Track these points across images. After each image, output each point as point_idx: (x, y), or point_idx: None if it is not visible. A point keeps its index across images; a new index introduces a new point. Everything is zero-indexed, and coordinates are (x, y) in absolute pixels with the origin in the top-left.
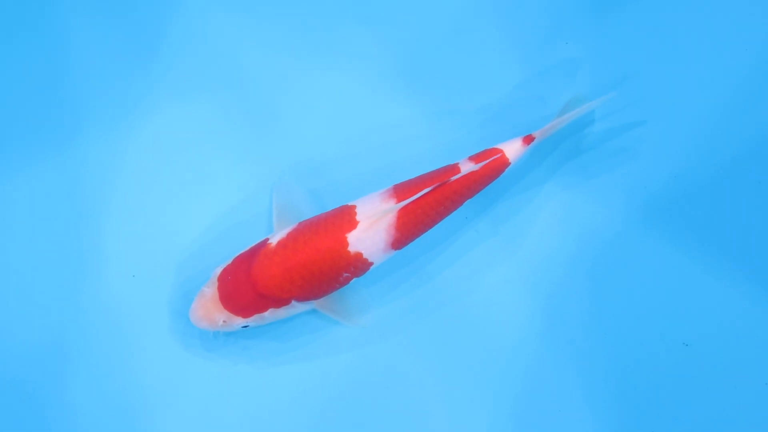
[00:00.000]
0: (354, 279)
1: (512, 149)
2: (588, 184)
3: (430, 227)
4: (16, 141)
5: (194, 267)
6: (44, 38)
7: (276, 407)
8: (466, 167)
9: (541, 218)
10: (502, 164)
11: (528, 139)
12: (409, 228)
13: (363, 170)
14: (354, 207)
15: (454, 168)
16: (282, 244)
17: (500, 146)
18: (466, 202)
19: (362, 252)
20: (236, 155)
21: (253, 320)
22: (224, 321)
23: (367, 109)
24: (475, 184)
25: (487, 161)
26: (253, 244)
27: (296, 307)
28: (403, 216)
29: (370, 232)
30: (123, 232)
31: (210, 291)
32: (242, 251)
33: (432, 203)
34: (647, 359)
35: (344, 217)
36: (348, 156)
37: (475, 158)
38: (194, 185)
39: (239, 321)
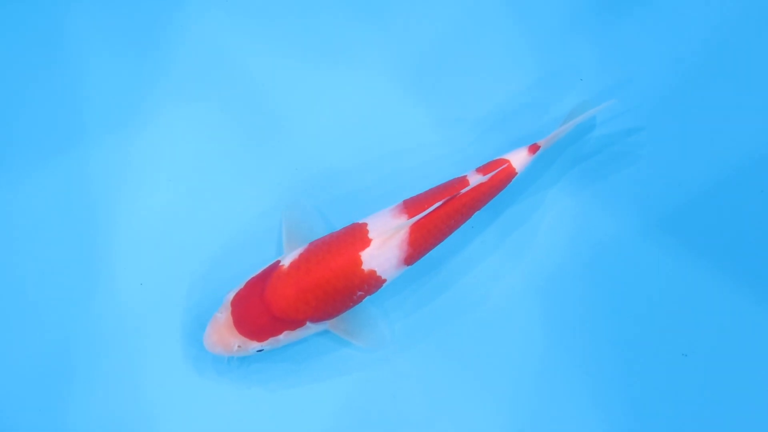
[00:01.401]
0: (367, 297)
1: (518, 159)
2: (591, 191)
3: (441, 241)
4: (20, 146)
5: (203, 288)
6: (51, 45)
7: (289, 429)
8: (475, 179)
9: (545, 226)
10: (509, 175)
11: (533, 149)
12: (422, 243)
13: (369, 182)
14: (365, 225)
15: (462, 180)
16: (294, 265)
17: (506, 156)
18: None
19: (376, 269)
20: (241, 166)
21: (268, 344)
22: (239, 346)
23: (373, 117)
24: (484, 195)
25: (495, 172)
26: (264, 267)
27: (311, 329)
28: (415, 232)
29: (383, 249)
30: (130, 249)
31: (223, 316)
32: (253, 275)
33: (443, 217)
34: (650, 368)
35: (356, 235)
36: (354, 167)
37: (482, 170)
38: (200, 197)
39: (254, 345)
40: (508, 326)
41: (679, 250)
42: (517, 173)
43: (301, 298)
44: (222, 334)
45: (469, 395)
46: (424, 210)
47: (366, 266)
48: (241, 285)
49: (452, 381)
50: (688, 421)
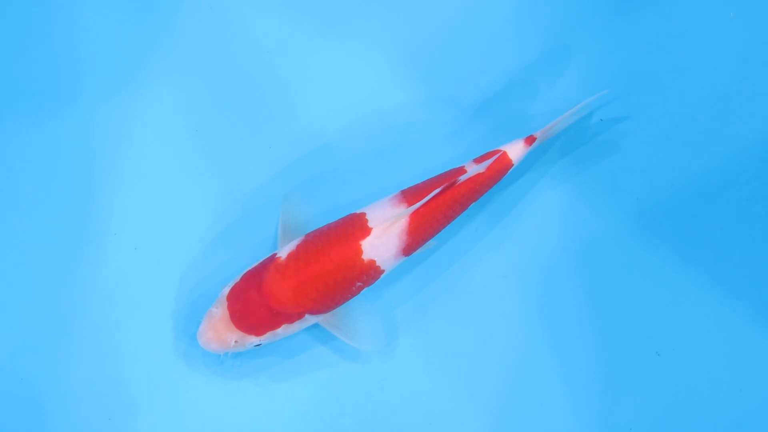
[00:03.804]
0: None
1: (515, 150)
2: (582, 182)
3: (438, 231)
4: (18, 108)
5: (195, 280)
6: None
7: (278, 424)
8: (472, 169)
9: (537, 217)
10: (506, 166)
11: (530, 140)
12: (420, 233)
13: (366, 171)
14: (364, 214)
15: (459, 170)
16: (293, 256)
17: (503, 148)
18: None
19: (375, 259)
20: (233, 151)
21: (266, 338)
22: (236, 341)
23: (370, 101)
24: (481, 186)
25: (492, 162)
26: (260, 260)
27: (309, 321)
28: (415, 221)
29: (383, 238)
30: (123, 232)
31: (219, 311)
32: (249, 268)
33: (441, 206)
34: (627, 364)
35: (356, 225)
36: (350, 157)
37: (479, 160)
38: (186, 187)
39: (252, 340)
40: (491, 316)
41: (660, 247)
42: (513, 164)
43: (300, 290)
44: (218, 330)
45: (457, 380)
46: (424, 198)
47: (366, 256)
48: (236, 279)
49: (439, 370)
50: (659, 418)
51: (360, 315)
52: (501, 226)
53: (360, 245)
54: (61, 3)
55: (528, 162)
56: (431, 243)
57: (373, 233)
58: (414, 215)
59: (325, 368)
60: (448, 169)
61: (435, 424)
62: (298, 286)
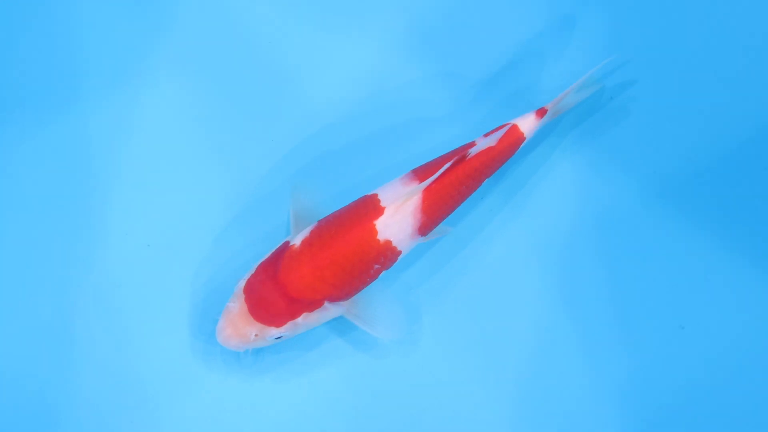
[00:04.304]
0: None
1: (526, 123)
2: (596, 152)
3: (452, 210)
4: (21, 106)
5: (207, 273)
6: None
7: (307, 418)
8: (483, 142)
9: (552, 192)
10: (517, 139)
11: (541, 112)
12: (434, 210)
13: (375, 154)
14: (376, 195)
15: (470, 146)
16: (307, 242)
17: (514, 121)
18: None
19: (391, 240)
20: (238, 139)
21: (286, 329)
22: (256, 335)
23: (374, 82)
24: (493, 160)
25: (503, 134)
26: (273, 250)
27: (328, 310)
28: (428, 198)
29: (397, 217)
30: (135, 230)
31: (236, 306)
32: (262, 259)
33: (454, 182)
34: (651, 338)
35: (368, 206)
36: (356, 141)
37: (490, 134)
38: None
39: (273, 332)
40: (509, 295)
41: (680, 214)
42: (525, 138)
43: (317, 275)
44: (237, 325)
45: (476, 367)
46: (435, 174)
47: (381, 236)
48: (251, 271)
49: (460, 354)
50: (684, 392)
51: (380, 303)
52: (514, 203)
53: (374, 225)
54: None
55: (538, 137)
56: (447, 229)
57: (386, 212)
58: (427, 192)
59: (346, 359)
60: (458, 146)
61: (459, 408)
62: (314, 271)
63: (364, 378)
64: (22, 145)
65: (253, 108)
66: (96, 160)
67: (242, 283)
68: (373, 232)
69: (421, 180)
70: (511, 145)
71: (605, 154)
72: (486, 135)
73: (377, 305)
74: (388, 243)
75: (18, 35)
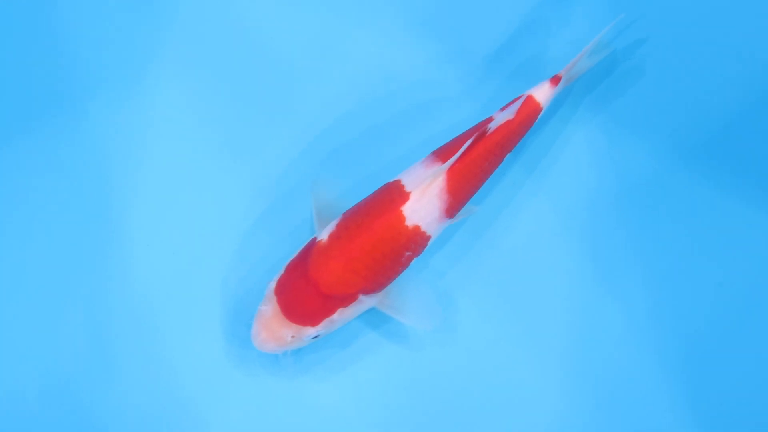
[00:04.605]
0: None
1: (541, 93)
2: (612, 116)
3: (477, 188)
4: (33, 112)
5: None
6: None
7: (350, 415)
8: (500, 116)
9: (572, 160)
10: (534, 109)
11: (555, 80)
12: (460, 190)
13: (393, 140)
14: (399, 180)
15: (488, 121)
16: (335, 236)
17: (529, 92)
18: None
19: (420, 224)
20: (253, 138)
21: (323, 327)
22: (293, 336)
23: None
24: (513, 133)
25: (520, 105)
26: (301, 248)
27: (364, 303)
28: (452, 178)
29: (423, 200)
30: (157, 241)
31: (269, 308)
32: (290, 258)
33: (477, 160)
34: (684, 297)
35: (393, 192)
36: (370, 128)
37: (507, 107)
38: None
39: (309, 331)
40: (540, 269)
41: (710, 175)
42: (542, 108)
43: (349, 268)
44: (272, 328)
45: (518, 344)
46: (457, 153)
47: (409, 222)
48: (280, 271)
49: (500, 334)
50: (720, 351)
51: (413, 291)
52: (536, 175)
53: (401, 211)
54: (64, 3)
55: (553, 107)
56: (473, 208)
57: (412, 197)
58: (451, 172)
59: (383, 353)
60: (474, 124)
61: (504, 391)
62: (345, 264)
63: (404, 370)
64: (38, 157)
65: (265, 106)
66: (112, 174)
67: (273, 285)
68: (401, 218)
69: (443, 161)
70: (528, 115)
71: (622, 116)
72: (502, 109)
73: (410, 294)
74: (416, 228)
75: (26, 41)
